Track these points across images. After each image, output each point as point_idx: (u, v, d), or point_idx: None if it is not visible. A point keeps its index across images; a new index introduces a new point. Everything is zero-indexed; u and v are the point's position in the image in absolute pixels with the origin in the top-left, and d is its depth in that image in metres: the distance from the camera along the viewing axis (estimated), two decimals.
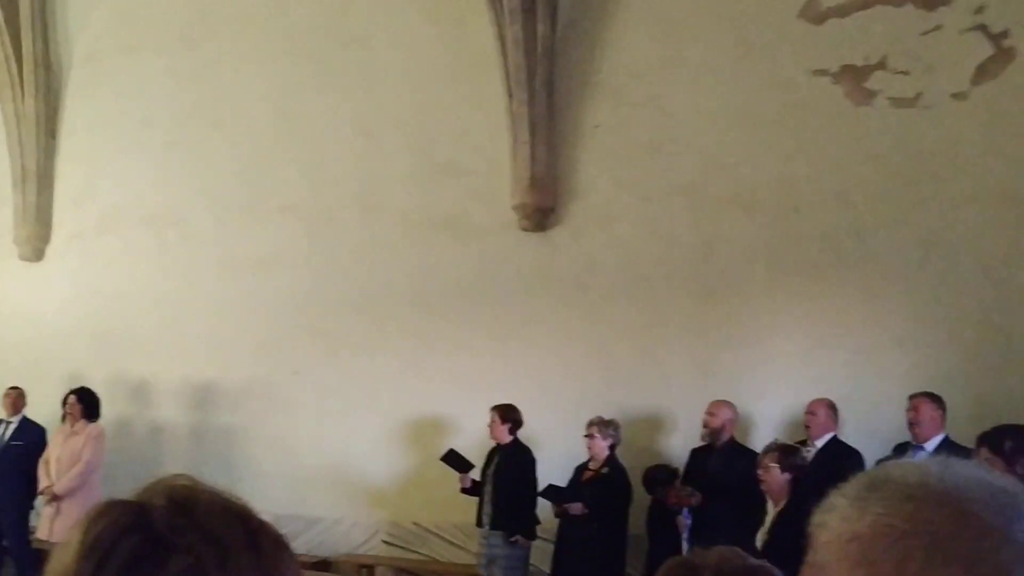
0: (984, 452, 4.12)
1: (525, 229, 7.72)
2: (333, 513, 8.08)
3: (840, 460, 6.17)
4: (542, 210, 7.67)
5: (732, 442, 6.66)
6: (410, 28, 8.16)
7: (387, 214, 8.17)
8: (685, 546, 6.37)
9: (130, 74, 9.19)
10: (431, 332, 7.89)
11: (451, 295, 7.87)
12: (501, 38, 7.58)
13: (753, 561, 1.87)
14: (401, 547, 7.98)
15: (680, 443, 7.14)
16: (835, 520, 0.86)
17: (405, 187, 8.14)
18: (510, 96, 7.63)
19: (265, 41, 8.62)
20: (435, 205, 8.00)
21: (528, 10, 7.46)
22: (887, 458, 5.63)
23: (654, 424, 7.34)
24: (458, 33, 8.02)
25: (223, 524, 0.83)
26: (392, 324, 8.02)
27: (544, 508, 6.89)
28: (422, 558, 7.88)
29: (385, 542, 8.06)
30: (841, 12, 7.09)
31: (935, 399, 6.11)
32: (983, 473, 0.86)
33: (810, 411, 6.52)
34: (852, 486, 0.88)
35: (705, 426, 6.73)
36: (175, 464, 8.22)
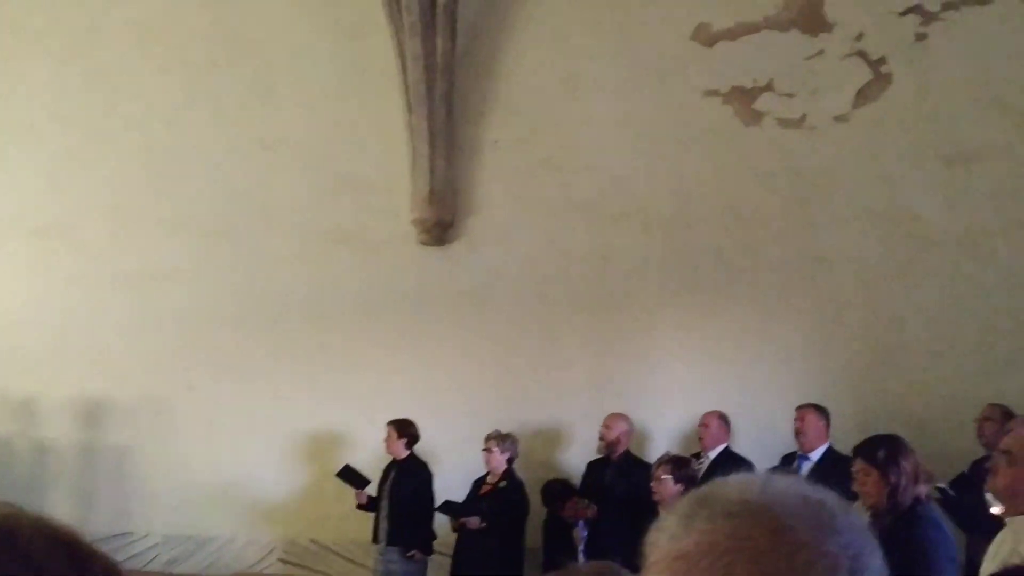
0: (859, 462, 4.23)
1: (423, 243, 7.72)
2: (227, 532, 7.89)
3: (731, 470, 6.28)
4: (440, 224, 7.68)
5: (628, 455, 6.76)
6: (309, 42, 8.09)
7: (285, 227, 8.06)
8: (581, 558, 6.43)
9: (20, 81, 8.87)
10: (328, 347, 7.81)
11: (349, 309, 7.81)
12: (400, 53, 7.58)
13: (627, 574, 1.90)
14: (297, 565, 7.84)
15: (577, 456, 7.21)
16: (664, 538, 0.87)
17: (303, 201, 8.05)
18: (409, 110, 7.64)
19: (161, 51, 8.42)
20: (333, 219, 7.93)
21: (427, 25, 7.49)
22: (775, 467, 5.80)
23: (552, 437, 7.40)
24: (358, 47, 7.98)
25: (47, 554, 0.79)
26: (289, 339, 7.90)
27: (441, 523, 6.87)
28: None
29: (281, 560, 7.90)
30: (731, 36, 7.32)
31: (820, 410, 6.31)
32: (803, 488, 0.88)
33: (703, 423, 6.66)
34: (682, 504, 0.89)
35: (601, 439, 6.82)
36: (61, 485, 7.95)
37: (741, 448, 6.75)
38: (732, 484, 0.89)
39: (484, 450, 6.81)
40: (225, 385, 7.94)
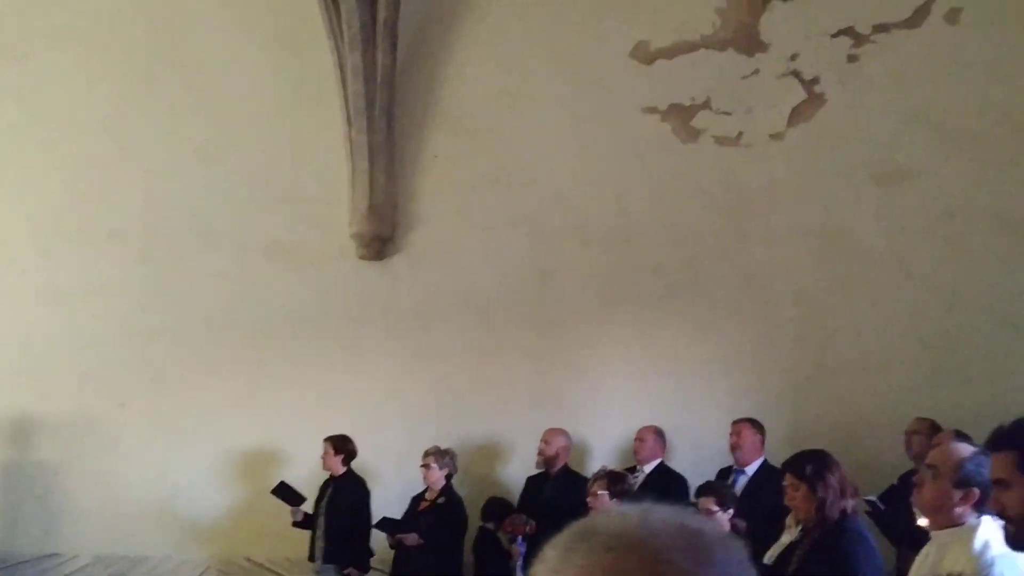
0: (788, 477, 4.28)
1: (363, 258, 7.66)
2: (160, 551, 7.71)
3: (666, 485, 6.37)
4: (380, 239, 7.63)
5: (566, 469, 6.77)
6: (248, 53, 7.99)
7: (222, 241, 7.93)
8: (519, 574, 6.41)
9: None
10: (265, 362, 7.69)
11: (287, 324, 7.71)
12: (341, 66, 7.53)
13: None
14: None
15: (517, 471, 7.19)
16: (543, 572, 0.86)
17: (241, 214, 7.93)
18: (349, 124, 7.59)
19: (97, 60, 8.24)
20: (272, 232, 7.83)
21: (368, 39, 7.45)
22: (711, 481, 5.84)
23: (492, 452, 7.38)
24: (298, 60, 7.91)
25: None
26: (225, 354, 7.77)
27: (379, 540, 6.80)
28: None
29: None
30: (669, 54, 7.41)
31: (755, 425, 6.39)
32: (683, 519, 0.88)
33: (638, 438, 6.71)
34: (563, 536, 0.88)
35: (540, 454, 6.82)
36: None
37: (679, 462, 6.81)
38: (612, 516, 0.88)
39: (422, 466, 6.77)
40: (158, 402, 7.78)
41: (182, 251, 7.95)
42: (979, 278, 6.77)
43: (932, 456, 3.46)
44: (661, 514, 0.88)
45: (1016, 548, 2.64)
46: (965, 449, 3.26)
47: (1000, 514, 2.59)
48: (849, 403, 6.79)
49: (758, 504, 5.61)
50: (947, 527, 3.25)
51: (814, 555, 4.06)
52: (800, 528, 4.29)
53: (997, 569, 2.97)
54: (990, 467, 2.65)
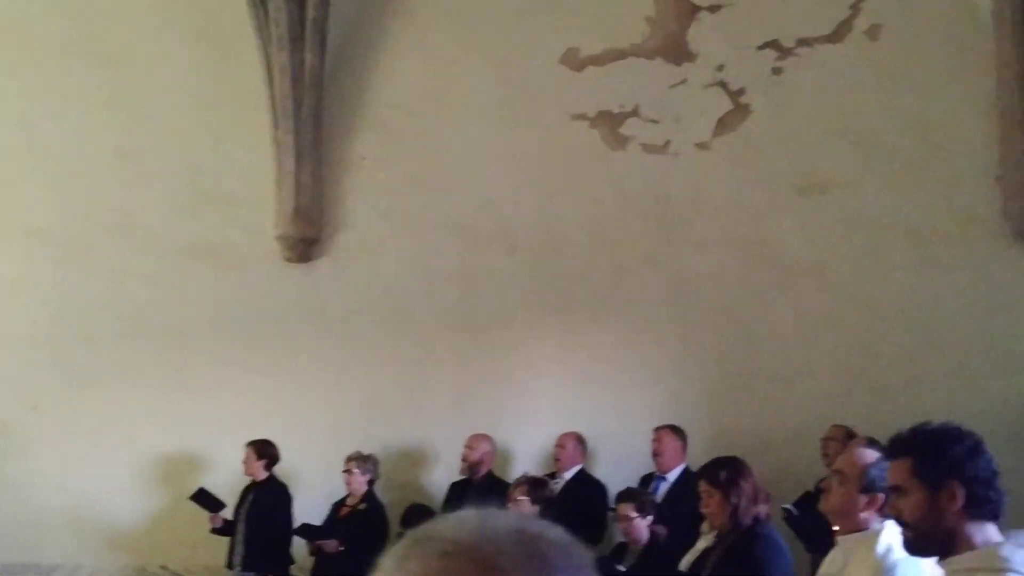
0: (703, 483, 4.32)
1: (288, 260, 7.55)
2: (73, 559, 7.48)
3: (585, 492, 6.39)
4: (306, 241, 7.53)
5: (490, 476, 6.74)
6: (172, 49, 7.82)
7: (143, 240, 7.74)
8: None
9: None
10: (186, 365, 7.52)
11: (209, 326, 7.55)
12: (268, 65, 7.41)
13: None
14: None
15: (441, 477, 7.15)
16: None
17: (163, 213, 7.75)
18: (275, 124, 7.47)
19: (11, 52, 8.01)
20: (195, 233, 7.67)
21: (296, 38, 7.35)
22: (633, 488, 5.87)
23: (416, 458, 7.32)
24: (224, 58, 7.76)
25: None
26: (144, 356, 7.58)
27: (299, 546, 6.70)
28: None
29: None
30: (598, 61, 7.44)
31: (677, 431, 6.44)
32: (522, 525, 0.87)
33: (559, 444, 6.71)
34: (401, 543, 0.87)
35: (464, 460, 6.79)
36: None
37: (602, 468, 6.83)
38: (451, 522, 0.87)
39: (344, 471, 6.69)
40: (73, 405, 7.55)
41: (100, 251, 7.74)
42: (895, 289, 6.91)
43: (839, 462, 3.53)
44: (501, 520, 0.86)
45: (914, 553, 2.67)
46: (871, 455, 3.30)
47: (897, 520, 2.63)
48: (770, 410, 6.87)
49: (679, 510, 5.64)
50: (853, 532, 3.31)
51: (727, 561, 4.11)
52: (715, 534, 4.34)
53: (899, 573, 3.02)
54: None
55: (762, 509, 4.22)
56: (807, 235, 7.08)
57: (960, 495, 2.44)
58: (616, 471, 6.77)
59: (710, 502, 4.23)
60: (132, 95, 7.89)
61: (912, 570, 2.92)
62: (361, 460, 6.68)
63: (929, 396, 6.49)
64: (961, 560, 2.46)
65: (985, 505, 2.47)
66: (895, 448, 2.62)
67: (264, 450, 6.81)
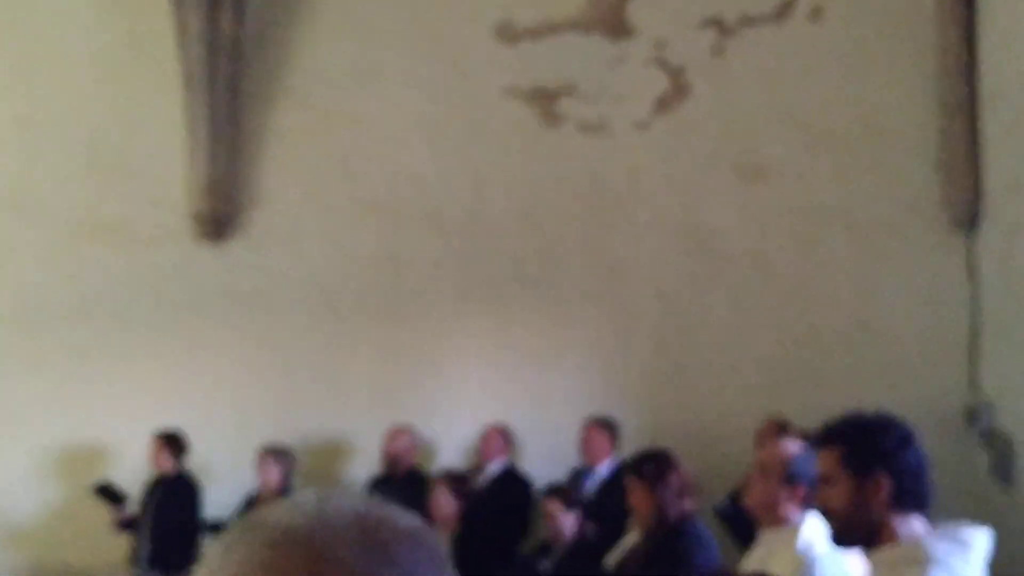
0: (629, 477, 4.17)
1: (200, 239, 7.11)
2: None
3: (510, 486, 6.17)
4: (219, 219, 7.08)
5: (412, 470, 6.45)
6: (75, 9, 7.31)
7: (43, 216, 7.22)
8: None
9: None
10: (89, 349, 7.05)
11: (114, 308, 7.08)
12: (181, 30, 6.95)
13: None
14: None
15: (362, 470, 6.83)
16: (204, 571, 0.79)
17: (65, 187, 7.24)
18: (189, 94, 7.01)
19: None
20: (97, 209, 7.17)
21: (212, 3, 6.90)
22: (557, 483, 5.63)
23: (334, 451, 6.98)
24: (132, 21, 7.28)
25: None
26: (44, 340, 7.08)
27: (208, 543, 6.33)
28: None
29: None
30: (534, 36, 7.14)
31: (606, 424, 6.23)
32: (365, 508, 0.80)
33: (484, 438, 6.48)
34: (230, 531, 0.81)
35: (384, 452, 6.48)
36: None
37: (532, 460, 6.59)
38: (285, 507, 0.80)
39: (259, 465, 6.34)
40: None
41: None
42: (834, 277, 6.78)
43: (762, 455, 3.61)
44: (340, 504, 0.80)
45: (839, 544, 2.60)
46: (793, 448, 3.35)
47: (823, 511, 2.56)
48: (706, 401, 6.69)
49: (609, 506, 5.41)
50: (776, 525, 3.29)
51: (652, 557, 4.00)
52: (644, 529, 4.15)
53: (818, 569, 3.03)
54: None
55: (689, 504, 4.06)
56: (745, 221, 6.89)
57: (887, 486, 2.42)
58: (546, 463, 6.54)
59: (636, 496, 4.10)
60: (31, 58, 7.36)
61: (833, 565, 2.96)
62: (276, 453, 6.32)
63: (867, 386, 6.39)
64: (886, 552, 2.42)
65: (912, 497, 2.45)
66: (825, 437, 2.58)
67: (172, 441, 6.44)
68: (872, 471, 2.41)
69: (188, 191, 7.04)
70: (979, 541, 2.43)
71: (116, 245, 7.13)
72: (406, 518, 0.82)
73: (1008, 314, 6.12)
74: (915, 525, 2.41)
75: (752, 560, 3.31)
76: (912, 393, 6.51)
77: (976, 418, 6.33)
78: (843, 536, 2.51)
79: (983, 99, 6.47)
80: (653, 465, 4.06)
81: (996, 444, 6.14)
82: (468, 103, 7.12)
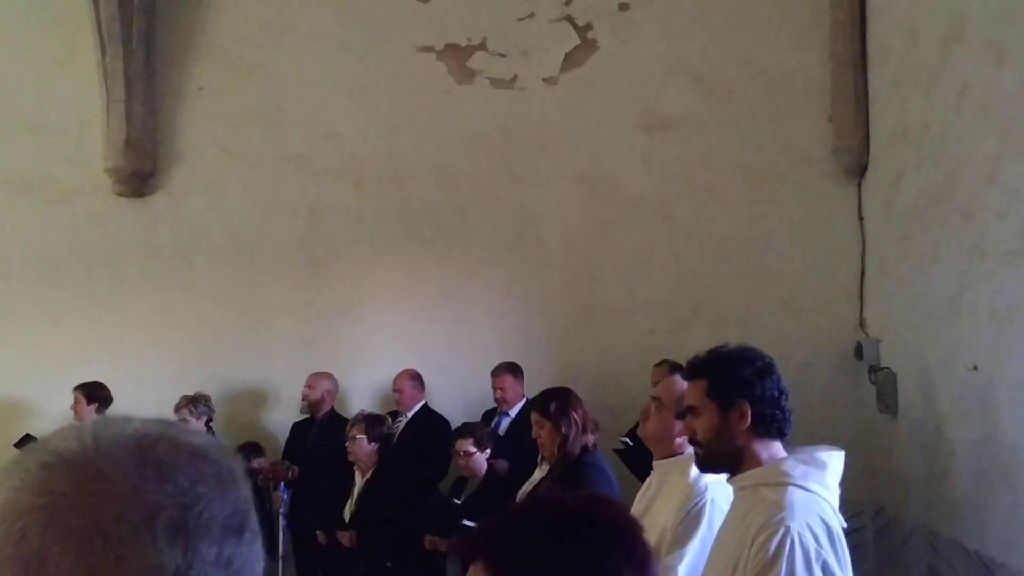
0: (534, 414, 4.38)
1: (120, 195, 7.18)
2: None
3: (428, 428, 6.37)
4: (138, 175, 7.16)
5: (332, 414, 6.64)
6: None
7: None
8: (282, 521, 6.25)
9: None
10: (10, 304, 7.10)
11: (34, 264, 7.13)
12: None
13: None
14: None
15: (284, 417, 7.02)
16: None
17: None
18: (103, 51, 7.03)
19: None
20: (14, 165, 7.19)
21: None
22: (467, 423, 5.87)
23: (257, 398, 7.15)
24: None
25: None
26: None
27: None
28: None
29: None
30: None
31: (514, 370, 6.46)
32: (146, 430, 0.79)
33: (396, 388, 6.67)
34: (12, 459, 0.79)
35: (304, 398, 6.67)
36: None
37: (446, 405, 6.83)
38: (64, 433, 0.79)
39: (177, 419, 6.46)
40: None
41: None
42: (732, 224, 7.07)
43: (657, 390, 3.66)
44: (118, 428, 0.78)
45: (705, 471, 2.78)
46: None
47: (691, 440, 2.72)
48: (611, 344, 6.97)
49: (520, 444, 5.68)
50: (669, 455, 3.42)
51: (556, 487, 4.16)
52: (548, 464, 4.39)
53: (709, 495, 3.15)
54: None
55: (590, 439, 4.31)
56: (649, 171, 7.16)
57: (748, 414, 2.54)
58: (458, 407, 6.78)
59: (541, 432, 4.32)
60: None
61: (721, 493, 3.02)
62: (192, 403, 6.44)
63: (760, 327, 6.71)
64: (747, 476, 2.56)
65: (772, 424, 2.57)
66: (692, 370, 2.72)
67: (94, 393, 6.48)
68: (734, 401, 2.54)
69: (106, 148, 7.09)
70: (834, 462, 2.57)
71: (35, 201, 7.18)
72: (194, 437, 0.81)
73: (890, 257, 6.49)
74: (775, 450, 2.56)
75: (648, 488, 3.48)
76: (807, 332, 6.92)
77: (863, 354, 6.70)
78: (709, 462, 2.66)
79: (871, 54, 6.78)
80: (556, 402, 4.29)
81: (881, 379, 6.50)
82: (383, 58, 7.25)
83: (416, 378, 6.69)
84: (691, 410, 2.66)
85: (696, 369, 2.69)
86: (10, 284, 7.11)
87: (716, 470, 2.70)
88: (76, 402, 6.48)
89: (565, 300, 7.07)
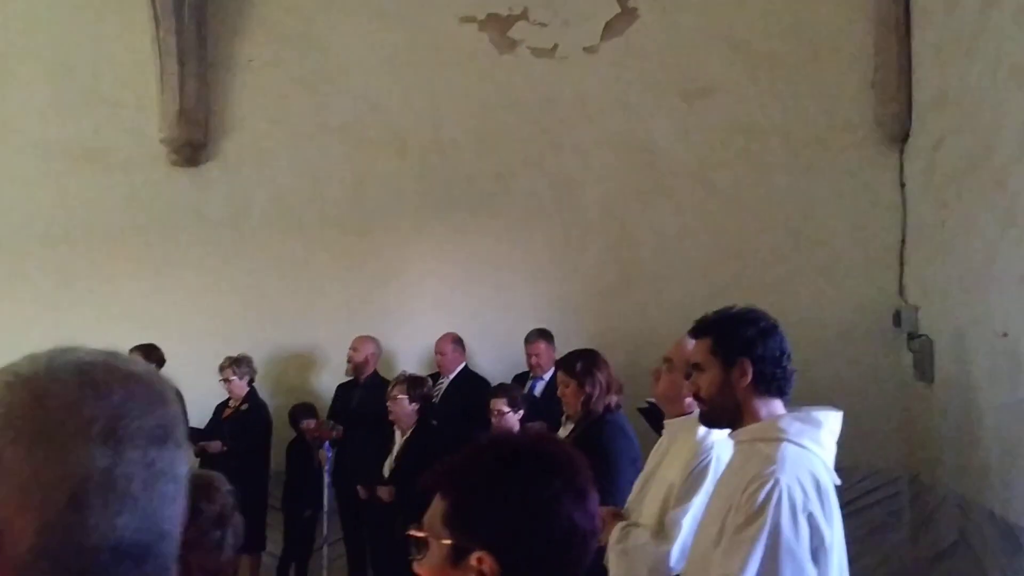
0: (560, 374, 4.51)
1: (174, 164, 7.46)
2: None
3: (470, 387, 6.54)
4: (192, 145, 7.43)
5: (375, 376, 6.85)
6: None
7: (22, 144, 7.57)
8: (327, 479, 6.51)
9: None
10: (72, 270, 7.45)
11: (94, 231, 7.46)
12: None
13: None
14: None
15: (331, 379, 7.24)
16: None
17: (43, 116, 7.57)
18: (157, 24, 7.28)
19: None
20: (76, 136, 7.51)
21: None
22: (503, 383, 6.03)
23: (305, 361, 7.40)
24: None
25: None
26: (29, 262, 7.48)
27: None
28: None
29: None
30: None
31: (546, 335, 6.61)
32: (93, 357, 0.92)
33: (438, 351, 6.85)
34: None
35: (349, 361, 6.88)
36: None
37: (485, 366, 6.99)
38: (28, 358, 0.92)
39: (222, 380, 6.74)
40: None
41: None
42: (771, 192, 7.06)
43: (669, 351, 3.72)
44: (70, 355, 0.92)
45: (708, 425, 2.92)
46: None
47: (695, 396, 2.82)
48: (648, 310, 7.02)
49: (553, 407, 5.82)
50: (679, 414, 3.54)
51: (578, 446, 4.28)
52: (571, 422, 4.53)
53: (715, 452, 3.25)
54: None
55: (614, 399, 4.42)
56: (689, 139, 7.18)
57: (749, 371, 2.64)
58: (497, 368, 6.93)
59: (566, 391, 4.45)
60: None
61: (726, 451, 3.08)
62: (235, 364, 6.72)
63: (798, 295, 6.75)
64: (745, 431, 2.67)
65: (772, 382, 2.67)
66: (699, 329, 2.82)
67: (149, 354, 6.70)
68: (737, 358, 2.64)
69: (161, 119, 7.35)
70: (830, 421, 2.66)
71: (95, 170, 7.48)
72: (133, 365, 0.94)
73: (929, 224, 6.46)
74: (775, 407, 2.65)
75: (660, 446, 3.61)
76: (846, 299, 6.91)
77: (902, 321, 6.69)
78: (711, 417, 2.77)
79: (914, 19, 6.70)
80: (582, 362, 4.41)
81: (918, 346, 6.49)
82: (426, 30, 7.38)
83: (457, 341, 6.87)
84: (696, 367, 2.76)
85: (702, 328, 2.79)
86: (68, 251, 7.44)
87: (718, 425, 2.81)
88: None
89: (603, 267, 7.16)
